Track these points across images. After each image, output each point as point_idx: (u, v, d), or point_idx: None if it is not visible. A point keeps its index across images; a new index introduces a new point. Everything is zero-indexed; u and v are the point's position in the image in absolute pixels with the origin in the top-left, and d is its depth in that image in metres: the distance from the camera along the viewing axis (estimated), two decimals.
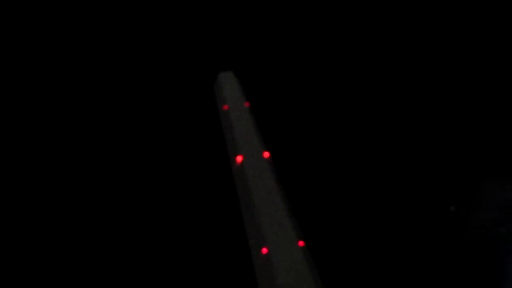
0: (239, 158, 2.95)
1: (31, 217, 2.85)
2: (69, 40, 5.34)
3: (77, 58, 4.94)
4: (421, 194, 2.88)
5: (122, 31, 5.62)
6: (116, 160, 3.32)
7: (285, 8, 6.20)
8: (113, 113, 3.90)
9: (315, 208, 2.83)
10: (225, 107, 3.47)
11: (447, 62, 4.52)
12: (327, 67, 4.58)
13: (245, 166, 2.86)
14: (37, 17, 5.93)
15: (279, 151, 3.28)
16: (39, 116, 3.88)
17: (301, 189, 2.97)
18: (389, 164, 3.15)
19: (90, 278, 2.48)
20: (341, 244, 2.59)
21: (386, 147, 3.33)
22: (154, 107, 3.95)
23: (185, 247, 2.61)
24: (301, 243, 2.35)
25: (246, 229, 2.60)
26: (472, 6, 5.58)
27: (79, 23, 5.78)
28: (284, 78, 4.41)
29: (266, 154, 2.97)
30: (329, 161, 3.21)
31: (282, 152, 3.28)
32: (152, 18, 5.99)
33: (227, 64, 4.70)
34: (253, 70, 4.59)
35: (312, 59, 4.78)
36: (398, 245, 2.55)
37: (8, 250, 2.66)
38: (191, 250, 2.59)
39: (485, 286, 2.28)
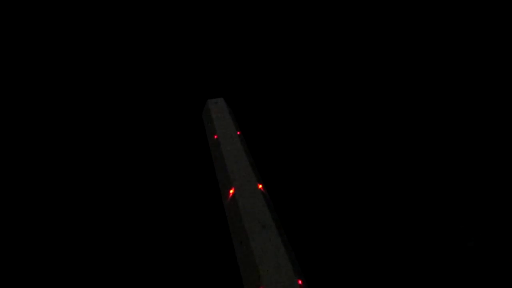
0: (231, 191, 2.82)
1: (18, 218, 2.76)
2: (61, 57, 5.28)
3: (71, 76, 4.86)
4: (416, 220, 2.79)
5: (111, 54, 5.58)
6: (103, 183, 3.20)
7: (275, 33, 6.24)
8: (100, 137, 3.79)
9: (313, 241, 2.71)
10: (215, 136, 3.36)
11: (441, 75, 4.51)
12: (318, 94, 4.56)
13: (237, 199, 2.73)
14: (35, 19, 5.90)
15: (273, 181, 3.19)
16: (21, 122, 3.76)
17: (298, 221, 2.86)
18: (381, 191, 3.07)
19: (83, 277, 2.37)
20: (341, 281, 2.47)
21: (379, 170, 3.25)
22: (134, 137, 3.85)
23: (176, 283, 2.46)
24: (299, 281, 2.22)
25: (240, 267, 2.47)
26: (472, 6, 5.64)
27: (71, 41, 5.73)
28: (277, 104, 4.35)
29: (259, 186, 2.85)
30: (324, 191, 3.12)
31: (276, 183, 3.18)
32: (140, 43, 5.98)
33: (217, 90, 4.64)
34: (244, 96, 4.53)
35: (304, 84, 4.77)
36: (394, 275, 2.44)
37: (8, 250, 2.63)
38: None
39: None
